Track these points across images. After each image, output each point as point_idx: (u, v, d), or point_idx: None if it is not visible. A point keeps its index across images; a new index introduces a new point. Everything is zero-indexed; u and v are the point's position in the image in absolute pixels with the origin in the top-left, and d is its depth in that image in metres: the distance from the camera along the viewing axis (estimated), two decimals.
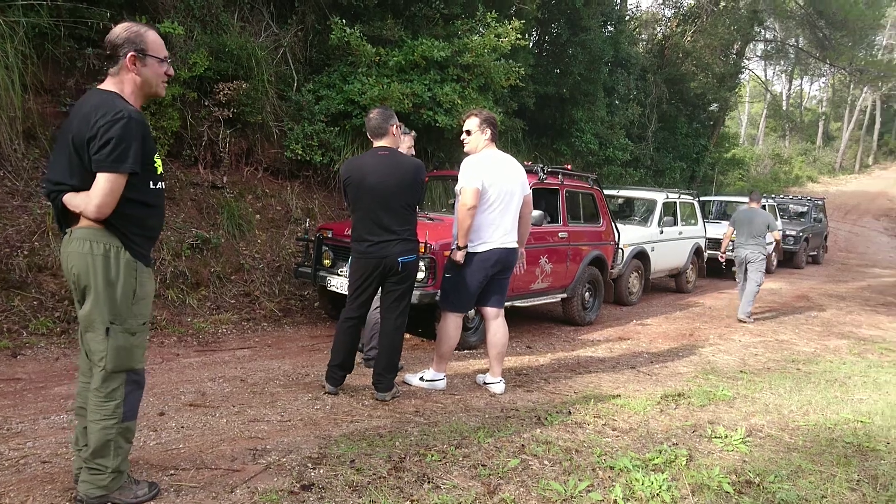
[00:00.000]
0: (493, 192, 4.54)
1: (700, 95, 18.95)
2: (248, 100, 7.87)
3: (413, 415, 4.13)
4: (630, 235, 9.64)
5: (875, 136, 47.73)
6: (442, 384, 4.80)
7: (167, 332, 5.85)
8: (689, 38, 18.66)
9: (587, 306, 7.93)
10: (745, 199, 13.78)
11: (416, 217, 4.45)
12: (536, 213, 6.23)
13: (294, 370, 5.08)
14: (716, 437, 4.05)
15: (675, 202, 11.00)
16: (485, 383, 4.88)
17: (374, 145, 4.41)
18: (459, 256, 4.56)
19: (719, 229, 13.09)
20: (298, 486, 2.94)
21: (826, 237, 19.33)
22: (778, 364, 6.42)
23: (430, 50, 8.92)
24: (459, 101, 9.12)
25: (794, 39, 23.47)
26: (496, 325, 4.78)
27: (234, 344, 5.87)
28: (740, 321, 8.73)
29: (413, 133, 5.50)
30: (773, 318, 9.24)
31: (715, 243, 12.75)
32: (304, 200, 8.59)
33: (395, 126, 4.40)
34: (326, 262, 6.38)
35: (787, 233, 15.94)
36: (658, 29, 20.02)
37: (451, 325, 4.71)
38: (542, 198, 7.26)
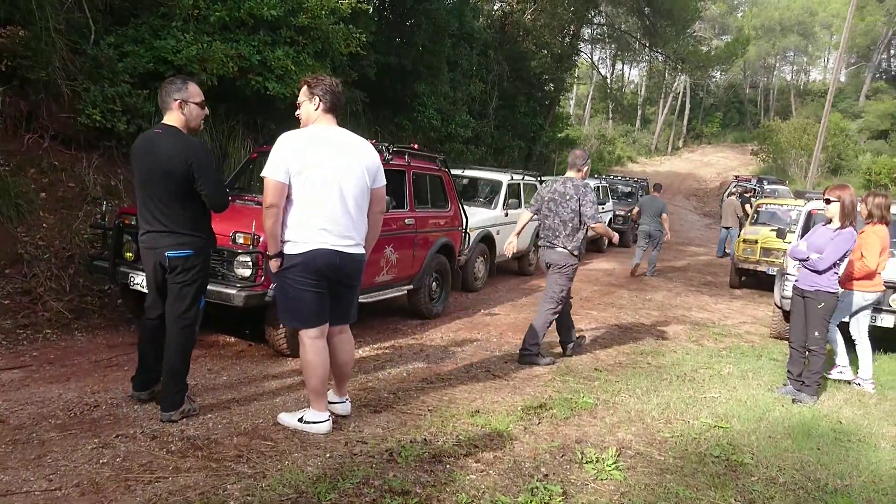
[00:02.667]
0: (310, 179, 3.54)
1: (538, 75, 19.11)
2: (29, 51, 6.38)
3: (235, 461, 3.30)
4: (476, 218, 9.22)
5: (685, 121, 51.95)
6: (324, 427, 3.78)
7: None
8: (528, 17, 18.65)
9: (434, 297, 7.39)
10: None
11: (198, 207, 3.73)
12: None
13: (80, 399, 4.01)
14: (587, 463, 3.63)
15: (519, 183, 10.77)
16: (331, 402, 4.07)
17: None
18: (274, 265, 3.65)
19: None
20: None
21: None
22: (629, 358, 6.25)
23: (259, 7, 7.83)
24: (293, 67, 8.14)
25: (622, 25, 24.46)
26: (338, 342, 3.95)
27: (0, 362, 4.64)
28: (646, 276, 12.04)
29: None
30: (612, 303, 9.27)
31: None
32: (106, 176, 7.23)
33: (180, 101, 3.71)
34: (129, 254, 5.26)
35: (617, 213, 16.50)
36: (499, 4, 19.87)
37: (308, 347, 3.71)
38: (388, 180, 6.51)
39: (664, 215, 12.15)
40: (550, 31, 19.10)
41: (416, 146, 7.14)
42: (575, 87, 41.56)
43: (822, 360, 5.16)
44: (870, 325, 6.73)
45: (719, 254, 16.50)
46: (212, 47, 7.39)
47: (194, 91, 3.79)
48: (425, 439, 3.75)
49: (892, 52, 53.26)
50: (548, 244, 5.73)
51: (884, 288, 5.99)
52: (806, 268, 5.11)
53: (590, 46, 37.87)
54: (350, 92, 10.49)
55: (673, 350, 6.77)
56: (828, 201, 5.06)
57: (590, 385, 5.21)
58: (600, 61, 46.77)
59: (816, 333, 5.10)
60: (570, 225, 5.57)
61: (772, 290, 11.39)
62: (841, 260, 4.99)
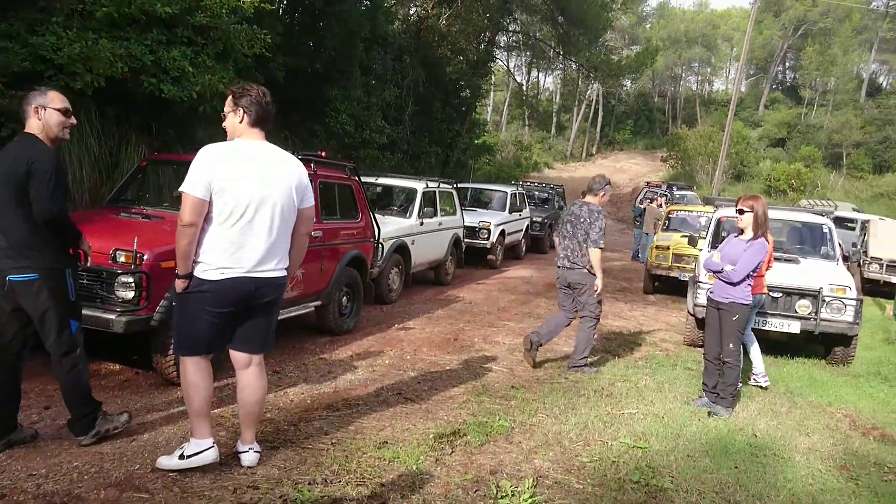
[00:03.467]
0: (232, 199, 3.25)
1: (455, 80, 19.00)
2: None
3: None
4: (390, 228, 8.90)
5: (598, 129, 53.29)
6: (209, 455, 3.40)
7: None
8: (444, 22, 18.50)
9: (345, 312, 7.01)
10: (497, 186, 15.77)
11: (31, 225, 3.31)
12: None
13: None
14: (502, 498, 3.37)
15: (435, 191, 10.51)
16: (236, 452, 3.60)
17: None
18: (180, 286, 3.28)
19: (475, 218, 13.02)
20: None
21: None
22: (546, 373, 6.07)
23: (152, 3, 7.26)
24: (191, 69, 7.60)
25: (536, 32, 24.71)
26: (247, 377, 3.54)
27: None
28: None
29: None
30: (529, 313, 9.13)
31: (471, 232, 12.63)
32: None
33: (36, 107, 3.36)
34: None
35: (534, 219, 16.51)
36: (414, 9, 19.65)
37: (189, 371, 3.37)
38: None
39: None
40: (466, 37, 19.02)
41: (323, 154, 6.75)
42: (491, 93, 41.94)
43: (738, 372, 5.12)
44: (777, 331, 6.91)
45: (634, 257, 16.90)
46: (98, 45, 6.77)
47: (54, 97, 3.42)
48: (325, 479, 3.40)
49: (787, 64, 56.42)
50: (567, 265, 5.91)
51: (767, 290, 6.16)
52: (720, 279, 5.06)
53: (505, 53, 38.28)
54: None
55: (590, 362, 6.65)
56: (741, 211, 5.03)
57: (506, 405, 4.97)
58: (516, 68, 47.38)
59: (731, 345, 5.04)
60: (585, 246, 5.78)
61: (684, 295, 11.66)
62: (754, 271, 4.95)
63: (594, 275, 5.84)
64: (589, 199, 5.97)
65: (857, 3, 46.06)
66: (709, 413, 5.09)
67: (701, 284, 7.44)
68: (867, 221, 16.77)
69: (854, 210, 22.75)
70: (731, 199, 16.78)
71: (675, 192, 24.61)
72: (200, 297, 3.27)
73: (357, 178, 7.33)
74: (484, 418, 4.58)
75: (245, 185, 3.27)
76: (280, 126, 11.51)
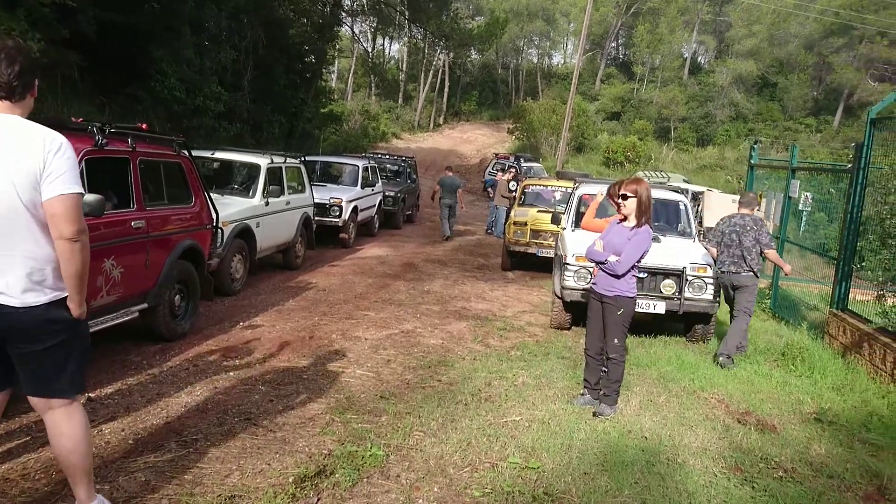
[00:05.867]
0: None
1: (298, 44, 17.68)
2: None
3: None
4: (230, 210, 7.85)
5: (445, 99, 53.28)
6: None
7: None
8: None
9: (178, 313, 5.97)
10: (348, 160, 15.03)
11: None
12: (93, 197, 4.00)
13: None
14: None
15: (281, 167, 9.49)
16: None
17: None
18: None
19: (325, 194, 12.11)
20: None
21: (418, 195, 20.07)
22: (416, 375, 5.45)
23: None
24: None
25: None
26: (50, 423, 2.67)
27: None
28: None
29: None
30: (390, 299, 8.48)
31: (322, 209, 11.73)
32: None
33: None
34: None
35: (387, 193, 15.80)
36: None
37: None
38: (104, 172, 5.00)
39: (460, 191, 15.17)
40: None
41: (144, 126, 5.60)
42: (337, 60, 40.34)
43: (623, 368, 4.78)
44: (643, 312, 6.77)
45: (489, 231, 16.76)
46: None
47: None
48: None
49: (620, 41, 59.38)
50: (734, 270, 6.66)
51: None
52: (604, 271, 4.66)
53: (350, 18, 36.85)
54: (58, 53, 8.37)
55: (461, 356, 6.13)
56: (623, 197, 4.63)
57: (376, 423, 4.30)
58: (361, 34, 45.95)
59: (616, 340, 4.68)
60: (754, 251, 6.55)
61: (542, 271, 11.57)
62: (639, 261, 4.60)
63: (758, 276, 6.71)
64: (745, 210, 6.82)
65: None
66: (594, 413, 4.73)
67: (568, 267, 7.17)
68: (701, 193, 17.68)
69: (685, 181, 24.18)
70: (585, 172, 17.16)
71: (522, 164, 24.93)
72: None
73: (188, 155, 6.24)
74: (353, 446, 3.87)
75: None
76: (93, 90, 9.89)
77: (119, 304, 5.05)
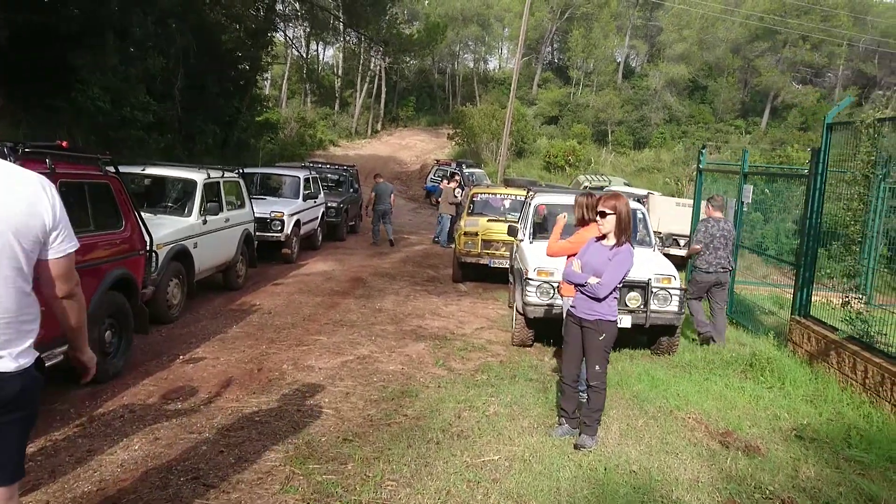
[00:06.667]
0: None
1: (231, 51, 16.92)
2: None
3: None
4: (165, 231, 7.24)
5: (382, 105, 52.72)
6: None
7: None
8: None
9: (109, 351, 5.36)
10: (288, 171, 14.25)
11: None
12: None
13: None
14: None
15: (219, 182, 8.88)
16: None
17: None
18: None
19: (265, 207, 11.52)
20: None
21: (361, 205, 19.53)
22: (379, 410, 5.01)
23: None
24: None
25: (319, 0, 23.08)
26: None
27: None
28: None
29: None
30: (340, 320, 8.00)
31: (262, 224, 11.13)
32: None
33: None
34: None
35: (330, 204, 15.24)
36: None
37: None
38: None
39: (392, 196, 15.71)
40: (243, 1, 16.97)
41: (64, 143, 4.99)
42: (271, 67, 39.35)
43: (604, 396, 4.47)
44: None
45: (435, 239, 16.41)
46: None
47: None
48: None
49: (555, 45, 60.03)
50: (722, 270, 7.51)
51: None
52: (583, 293, 4.33)
53: (283, 24, 35.96)
54: None
55: (424, 384, 5.72)
56: (602, 214, 4.31)
57: (342, 473, 3.85)
58: (295, 40, 44.97)
59: (597, 367, 4.37)
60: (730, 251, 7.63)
61: (495, 282, 11.25)
62: (621, 282, 4.30)
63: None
64: (720, 214, 7.65)
65: None
66: (575, 446, 4.41)
67: (530, 282, 6.86)
68: (645, 196, 17.74)
69: (625, 184, 24.40)
70: (532, 179, 16.97)
71: (465, 171, 24.67)
72: None
73: (116, 173, 5.64)
74: None
75: None
76: (5, 103, 9.07)
77: (39, 347, 4.43)
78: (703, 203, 11.07)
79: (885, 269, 6.90)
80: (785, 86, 47.41)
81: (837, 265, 6.63)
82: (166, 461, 3.90)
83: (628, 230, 4.31)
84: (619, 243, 4.30)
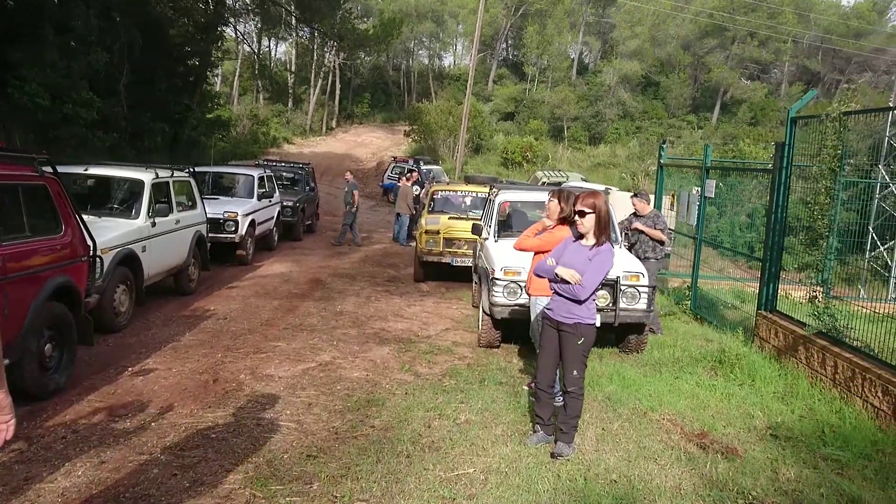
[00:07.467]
0: None
1: (180, 46, 16.31)
2: None
3: None
4: (110, 235, 6.82)
5: (336, 102, 52.04)
6: None
7: None
8: None
9: (50, 365, 4.97)
10: (242, 169, 13.87)
11: None
12: None
13: None
14: None
15: (168, 181, 8.44)
16: None
17: None
18: None
19: (218, 207, 11.08)
20: None
21: (318, 204, 19.10)
22: (344, 421, 4.75)
23: None
24: None
25: None
26: None
27: None
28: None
29: None
30: (300, 325, 7.68)
31: (216, 225, 10.71)
32: None
33: None
34: None
35: (286, 204, 14.82)
36: None
37: None
38: None
39: (356, 193, 15.30)
40: None
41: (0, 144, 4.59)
42: (221, 62, 38.40)
43: (581, 402, 4.29)
44: None
45: (396, 238, 16.13)
46: None
47: None
48: None
49: (510, 42, 60.11)
50: (643, 257, 7.82)
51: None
52: (561, 295, 4.13)
53: (233, 19, 35.13)
54: None
55: (390, 391, 5.47)
56: (581, 213, 4.12)
57: (308, 495, 3.58)
58: (246, 35, 44.02)
59: (575, 372, 4.18)
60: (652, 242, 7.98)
61: (457, 281, 11.04)
62: (603, 283, 4.12)
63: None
64: (645, 205, 8.29)
65: None
66: (552, 454, 4.22)
67: (497, 282, 6.66)
68: (605, 192, 17.74)
69: (583, 180, 24.46)
70: (492, 176, 16.78)
71: (423, 168, 24.40)
72: None
73: (54, 174, 5.23)
74: None
75: None
76: None
77: None
78: (665, 197, 11.09)
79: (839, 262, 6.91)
80: (734, 82, 48.38)
81: (804, 259, 6.60)
82: (113, 488, 3.57)
83: (608, 229, 4.14)
84: (598, 243, 4.12)
